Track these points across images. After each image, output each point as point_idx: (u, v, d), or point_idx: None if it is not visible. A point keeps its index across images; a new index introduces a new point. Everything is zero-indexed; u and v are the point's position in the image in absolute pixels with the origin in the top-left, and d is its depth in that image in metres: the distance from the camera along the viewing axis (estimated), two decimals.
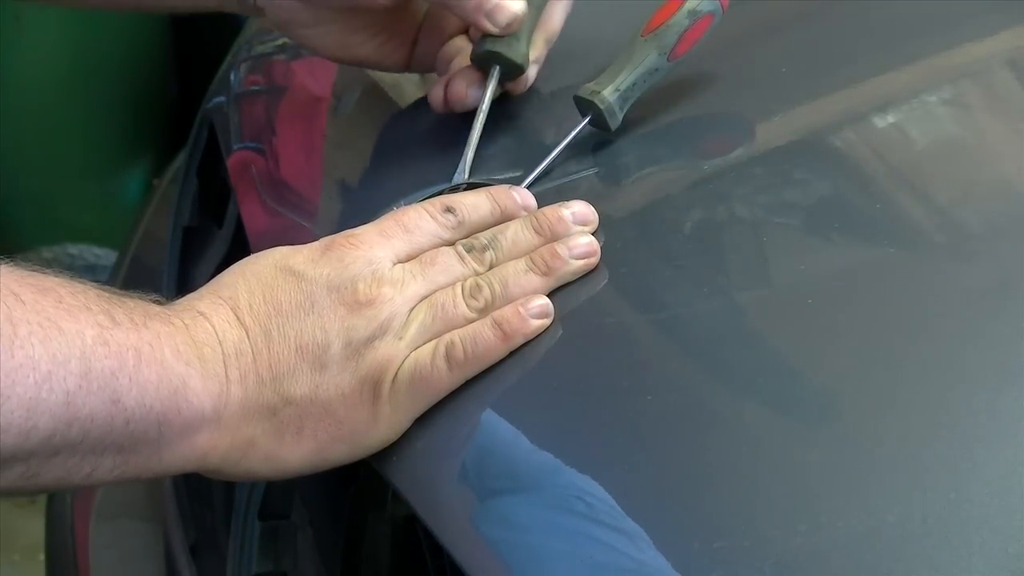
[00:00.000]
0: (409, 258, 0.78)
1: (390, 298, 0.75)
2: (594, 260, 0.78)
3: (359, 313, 0.74)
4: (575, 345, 0.76)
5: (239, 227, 1.06)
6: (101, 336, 0.69)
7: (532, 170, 0.86)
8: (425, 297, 0.76)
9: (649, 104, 0.90)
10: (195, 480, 1.13)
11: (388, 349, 0.74)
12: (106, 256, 2.32)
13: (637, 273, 0.79)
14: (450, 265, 0.77)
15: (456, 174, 0.87)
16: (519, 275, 0.77)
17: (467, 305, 0.76)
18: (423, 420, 0.75)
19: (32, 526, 1.98)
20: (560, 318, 0.75)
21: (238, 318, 0.75)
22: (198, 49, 2.43)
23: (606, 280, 0.78)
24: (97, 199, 2.42)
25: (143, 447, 0.71)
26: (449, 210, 0.80)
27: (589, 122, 0.88)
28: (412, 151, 0.96)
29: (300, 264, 0.76)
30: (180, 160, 1.59)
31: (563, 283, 0.77)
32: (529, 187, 0.85)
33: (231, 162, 1.08)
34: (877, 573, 0.61)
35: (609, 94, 0.87)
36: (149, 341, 0.71)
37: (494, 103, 0.91)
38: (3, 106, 2.25)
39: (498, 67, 0.90)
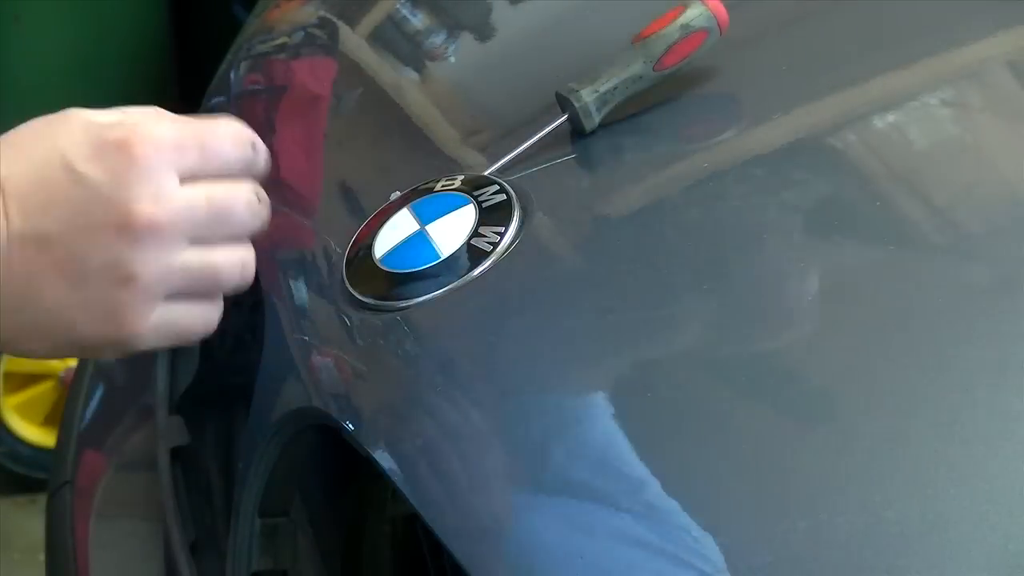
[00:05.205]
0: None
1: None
2: None
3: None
4: (573, 346, 0.76)
5: None
6: None
7: (503, 157, 0.87)
8: None
9: (648, 101, 0.90)
10: (194, 478, 1.13)
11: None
12: None
13: (635, 271, 0.79)
14: None
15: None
16: None
17: None
18: (424, 422, 0.75)
19: (32, 526, 1.98)
20: (560, 319, 0.76)
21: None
22: (198, 49, 2.44)
23: (604, 277, 0.78)
24: None
25: None
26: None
27: (567, 120, 0.88)
28: (411, 149, 0.96)
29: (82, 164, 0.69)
30: None
31: None
32: (501, 172, 0.86)
33: None
34: (877, 570, 0.61)
35: (587, 95, 0.88)
36: None
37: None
38: (3, 105, 2.25)
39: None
